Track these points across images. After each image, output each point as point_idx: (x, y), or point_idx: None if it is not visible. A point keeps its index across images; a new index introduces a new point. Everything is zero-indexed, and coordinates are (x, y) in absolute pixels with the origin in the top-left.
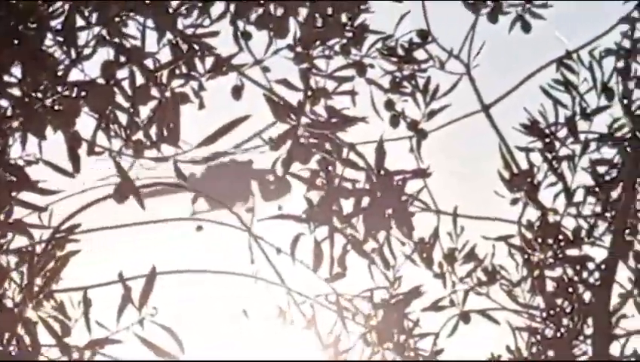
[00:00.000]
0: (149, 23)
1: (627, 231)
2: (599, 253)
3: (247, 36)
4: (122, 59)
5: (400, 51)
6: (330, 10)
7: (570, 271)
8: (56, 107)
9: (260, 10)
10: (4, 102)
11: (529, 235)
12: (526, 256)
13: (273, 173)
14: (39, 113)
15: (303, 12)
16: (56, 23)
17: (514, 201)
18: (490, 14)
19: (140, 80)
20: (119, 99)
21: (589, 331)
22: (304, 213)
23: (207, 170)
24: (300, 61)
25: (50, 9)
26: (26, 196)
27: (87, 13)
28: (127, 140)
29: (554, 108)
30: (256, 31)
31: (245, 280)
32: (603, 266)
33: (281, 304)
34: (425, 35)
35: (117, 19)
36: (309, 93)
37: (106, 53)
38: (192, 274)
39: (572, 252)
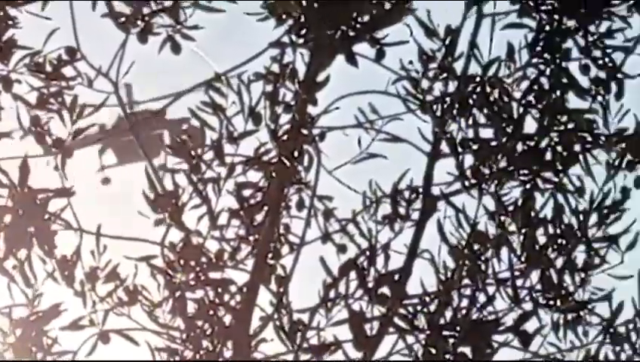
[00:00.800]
0: None
1: (270, 254)
2: (241, 276)
3: None
4: None
5: (48, 67)
6: None
7: (211, 294)
8: None
9: None
10: None
11: (172, 257)
12: (168, 277)
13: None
14: None
15: None
16: None
17: (158, 222)
18: (140, 34)
19: None
20: None
21: (228, 354)
22: None
23: (118, 122)
24: None
25: None
26: None
27: None
28: None
29: (201, 130)
30: None
31: None
32: (244, 289)
33: None
34: (73, 53)
35: None
36: None
37: None
38: None
39: (214, 274)
